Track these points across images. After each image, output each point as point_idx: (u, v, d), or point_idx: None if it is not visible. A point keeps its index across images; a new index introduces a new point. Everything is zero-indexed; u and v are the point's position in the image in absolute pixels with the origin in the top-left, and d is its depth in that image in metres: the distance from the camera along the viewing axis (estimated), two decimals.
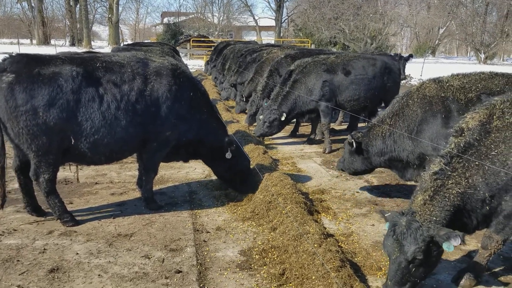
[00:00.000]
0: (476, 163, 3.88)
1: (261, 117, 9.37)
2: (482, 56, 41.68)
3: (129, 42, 52.86)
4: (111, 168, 7.59)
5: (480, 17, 42.03)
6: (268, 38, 57.34)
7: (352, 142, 6.21)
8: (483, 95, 5.38)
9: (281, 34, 56.35)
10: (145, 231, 5.26)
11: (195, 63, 34.57)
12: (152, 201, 6.02)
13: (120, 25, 51.46)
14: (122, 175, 7.34)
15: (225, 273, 4.41)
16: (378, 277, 4.45)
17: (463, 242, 3.42)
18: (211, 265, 4.56)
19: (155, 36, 55.02)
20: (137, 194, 6.36)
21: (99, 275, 4.26)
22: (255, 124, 10.19)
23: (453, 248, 3.46)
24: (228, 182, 6.67)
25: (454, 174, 3.92)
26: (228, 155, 6.22)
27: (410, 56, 16.04)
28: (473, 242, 5.11)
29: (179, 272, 4.36)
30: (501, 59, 50.21)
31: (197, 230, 5.36)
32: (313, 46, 39.99)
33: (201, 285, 4.16)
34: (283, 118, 9.01)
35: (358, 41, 41.51)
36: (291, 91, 9.13)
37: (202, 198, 6.45)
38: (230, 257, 4.75)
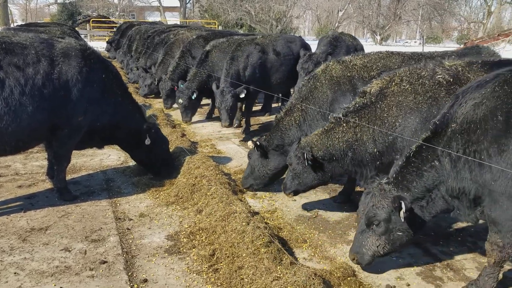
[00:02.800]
0: (368, 121, 4.50)
1: (180, 100, 9.19)
2: (378, 37, 44.53)
3: (20, 23, 48.38)
4: (15, 159, 6.96)
5: (375, 1, 44.70)
6: (173, 19, 55.82)
7: (260, 145, 5.80)
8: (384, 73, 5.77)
9: (186, 16, 55.24)
10: (61, 223, 4.93)
11: (96, 45, 32.62)
12: (66, 191, 5.64)
13: (8, 5, 46.83)
14: (29, 166, 6.77)
15: (154, 259, 4.29)
16: (304, 249, 4.63)
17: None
18: (137, 253, 4.41)
19: (48, 16, 50.97)
20: (48, 185, 5.92)
21: (15, 273, 3.92)
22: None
23: None
24: (147, 167, 6.47)
25: (344, 124, 4.72)
26: (147, 140, 6.01)
27: None
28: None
29: (104, 262, 4.16)
30: (394, 41, 54.04)
31: (119, 218, 5.14)
32: (220, 28, 39.78)
33: (129, 274, 4.01)
34: (243, 95, 8.42)
35: (264, 23, 42.09)
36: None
37: (120, 186, 6.18)
38: (157, 242, 4.63)
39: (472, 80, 4.16)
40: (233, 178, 6.53)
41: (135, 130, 6.00)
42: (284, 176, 5.61)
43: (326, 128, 4.92)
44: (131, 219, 5.14)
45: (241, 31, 39.02)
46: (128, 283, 3.87)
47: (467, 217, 3.77)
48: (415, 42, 45.65)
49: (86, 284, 3.82)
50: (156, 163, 6.33)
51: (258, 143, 5.80)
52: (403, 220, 3.70)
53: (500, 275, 3.80)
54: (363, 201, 4.06)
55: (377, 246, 3.89)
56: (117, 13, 56.99)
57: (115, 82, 5.86)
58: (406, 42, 48.31)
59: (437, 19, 46.61)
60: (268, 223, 5.05)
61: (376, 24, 44.36)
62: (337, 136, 4.78)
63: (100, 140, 6.06)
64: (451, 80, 4.44)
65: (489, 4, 45.66)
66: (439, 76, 4.47)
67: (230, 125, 8.56)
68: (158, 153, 6.30)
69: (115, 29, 27.33)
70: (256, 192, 6.06)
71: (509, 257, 3.54)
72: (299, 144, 5.05)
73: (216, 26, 40.47)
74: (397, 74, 4.69)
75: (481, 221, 3.81)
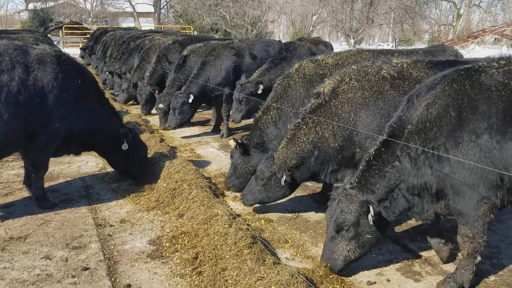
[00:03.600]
0: (326, 119, 4.75)
1: (160, 105, 9.19)
2: (352, 41, 45.15)
3: None
4: None
5: (348, 5, 45.33)
6: (147, 25, 55.38)
7: (243, 144, 5.97)
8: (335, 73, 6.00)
9: (161, 21, 54.92)
10: (41, 232, 4.86)
11: (70, 52, 32.14)
12: (45, 199, 5.57)
13: None
14: (4, 175, 6.64)
15: (136, 264, 4.28)
16: (286, 249, 4.68)
17: None
18: (120, 258, 4.39)
19: (19, 23, 49.90)
20: (25, 193, 5.82)
21: None
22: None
23: None
24: (126, 173, 6.44)
25: (304, 127, 4.91)
26: (125, 146, 5.98)
27: None
28: None
29: (87, 269, 4.13)
30: (368, 44, 54.91)
31: (100, 225, 5.09)
32: (195, 33, 39.71)
33: (112, 279, 3.99)
34: (190, 100, 8.65)
35: (239, 28, 42.19)
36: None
37: (100, 192, 6.13)
38: (139, 248, 4.61)
39: (415, 76, 4.71)
40: (213, 181, 6.55)
41: (112, 136, 5.97)
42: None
43: (289, 137, 5.07)
44: (112, 225, 5.10)
45: (216, 36, 39.09)
46: None
47: (424, 214, 3.94)
48: (388, 45, 46.48)
49: None
50: (135, 168, 6.30)
51: (239, 141, 5.93)
52: (372, 223, 3.81)
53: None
54: (329, 208, 4.11)
55: (348, 251, 3.96)
56: (90, 19, 56.20)
57: (91, 88, 5.82)
58: (379, 45, 49.17)
59: (409, 22, 47.56)
60: (250, 225, 5.10)
61: (349, 28, 44.98)
62: (302, 140, 4.95)
63: (77, 147, 6.00)
64: (395, 75, 4.75)
65: (458, 7, 46.90)
66: (384, 72, 4.78)
67: (173, 128, 8.88)
68: (136, 158, 6.27)
69: (88, 35, 26.97)
70: (237, 195, 6.09)
71: (480, 247, 3.69)
72: (273, 160, 5.13)
73: (191, 31, 40.40)
74: (347, 74, 4.96)
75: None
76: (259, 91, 7.83)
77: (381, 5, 42.70)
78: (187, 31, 39.64)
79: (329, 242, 4.06)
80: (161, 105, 9.42)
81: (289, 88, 6.07)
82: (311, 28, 56.10)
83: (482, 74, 3.63)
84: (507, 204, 3.67)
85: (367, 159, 3.99)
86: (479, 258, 3.94)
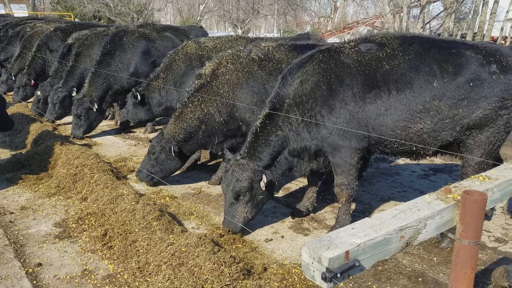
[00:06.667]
0: (210, 97, 5.46)
1: (38, 93, 8.95)
2: (240, 31, 46.23)
3: None
4: None
5: None
6: (21, 12, 50.80)
7: (137, 94, 6.85)
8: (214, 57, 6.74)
9: (36, 7, 50.74)
10: None
11: None
12: None
13: None
14: None
15: (45, 245, 4.34)
16: (192, 220, 5.07)
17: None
18: (26, 242, 4.40)
19: None
20: None
21: None
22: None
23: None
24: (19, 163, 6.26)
25: (190, 105, 5.52)
26: None
27: None
28: None
29: None
30: (254, 34, 56.59)
31: None
32: (76, 20, 37.48)
33: (21, 260, 4.03)
34: (74, 93, 8.52)
35: (125, 16, 40.78)
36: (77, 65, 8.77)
37: None
38: (45, 231, 4.66)
39: (277, 57, 5.54)
40: (114, 166, 6.65)
41: None
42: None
43: (177, 114, 5.66)
44: (12, 213, 5.02)
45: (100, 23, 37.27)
46: (22, 268, 3.90)
47: (302, 171, 4.69)
48: (273, 35, 48.51)
49: None
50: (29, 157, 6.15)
51: (135, 92, 6.87)
52: (264, 189, 4.44)
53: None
54: (224, 179, 4.59)
55: (246, 212, 4.53)
56: None
57: None
58: (266, 35, 51.03)
59: (291, 13, 50.02)
60: (156, 202, 5.37)
61: (236, 18, 46.01)
62: (189, 116, 5.56)
63: None
64: (262, 57, 5.54)
65: (334, 0, 50.45)
66: (253, 54, 5.54)
67: (52, 121, 8.76)
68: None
69: None
70: None
71: (354, 191, 4.49)
72: (162, 135, 5.68)
73: (72, 18, 38.04)
74: (224, 57, 5.64)
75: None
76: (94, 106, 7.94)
77: None
78: (66, 18, 37.22)
79: (229, 209, 4.55)
80: (39, 93, 9.19)
81: (174, 62, 6.91)
82: (198, 17, 56.05)
83: (341, 54, 4.39)
84: (373, 152, 4.58)
85: (253, 131, 4.57)
86: (353, 206, 4.75)
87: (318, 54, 4.47)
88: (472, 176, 2.69)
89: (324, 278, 1.78)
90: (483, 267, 4.16)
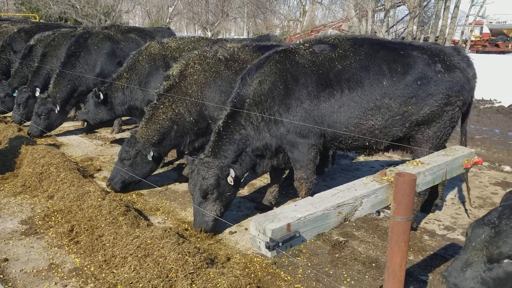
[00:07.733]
0: (180, 98, 5.61)
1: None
2: (209, 33, 46.33)
3: None
4: None
5: None
6: None
7: (99, 94, 6.92)
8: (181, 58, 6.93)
9: None
10: None
11: None
12: None
13: None
14: None
15: (11, 242, 4.41)
16: (158, 215, 5.22)
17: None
18: None
19: None
20: None
21: None
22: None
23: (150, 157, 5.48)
24: None
25: (161, 106, 5.60)
26: None
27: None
28: None
29: None
30: (224, 37, 56.76)
31: None
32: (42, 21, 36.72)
33: None
34: (37, 94, 8.43)
35: (92, 18, 40.24)
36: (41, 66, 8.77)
37: None
38: (11, 228, 4.72)
39: (242, 58, 5.75)
40: (80, 165, 6.72)
41: None
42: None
43: (147, 117, 5.68)
44: None
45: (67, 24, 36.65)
46: None
47: (264, 168, 4.91)
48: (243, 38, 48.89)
49: None
50: None
51: (97, 91, 6.94)
52: (232, 184, 4.57)
53: None
54: (191, 180, 4.66)
55: (215, 210, 4.61)
56: None
57: None
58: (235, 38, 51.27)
59: (261, 16, 50.49)
60: (122, 199, 5.49)
61: (206, 21, 46.10)
62: (162, 118, 5.64)
63: None
64: (228, 57, 5.76)
65: (303, 4, 51.22)
66: (219, 55, 5.75)
67: (17, 123, 8.73)
68: None
69: None
70: (107, 176, 6.38)
71: (313, 185, 4.74)
72: (135, 139, 5.65)
73: (37, 20, 37.26)
74: (191, 58, 5.81)
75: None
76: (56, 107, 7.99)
77: None
78: (32, 19, 36.46)
79: (198, 208, 4.65)
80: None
81: (137, 62, 7.03)
82: (167, 20, 55.80)
83: (296, 55, 4.65)
84: (330, 148, 4.85)
85: (216, 130, 4.75)
86: None
87: (274, 55, 4.71)
88: (407, 162, 2.98)
89: (268, 247, 2.01)
90: (431, 252, 4.48)
